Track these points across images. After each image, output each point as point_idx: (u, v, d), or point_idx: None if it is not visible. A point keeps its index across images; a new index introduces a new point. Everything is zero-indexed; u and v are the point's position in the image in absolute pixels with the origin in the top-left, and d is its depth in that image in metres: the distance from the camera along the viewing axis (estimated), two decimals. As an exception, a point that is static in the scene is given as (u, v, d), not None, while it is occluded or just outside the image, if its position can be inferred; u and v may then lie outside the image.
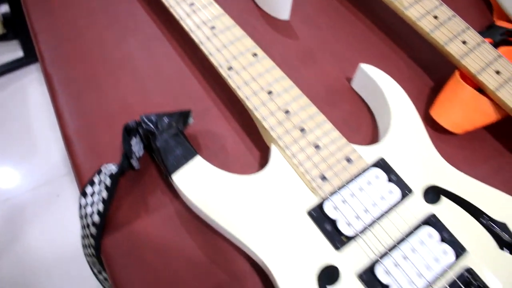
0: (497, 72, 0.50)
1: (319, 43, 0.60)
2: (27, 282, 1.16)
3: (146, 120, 0.45)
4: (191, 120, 0.49)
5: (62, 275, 1.17)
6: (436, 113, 0.52)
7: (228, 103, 0.54)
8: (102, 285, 0.57)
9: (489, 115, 0.51)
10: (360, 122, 0.53)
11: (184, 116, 0.47)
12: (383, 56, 0.60)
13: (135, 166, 0.47)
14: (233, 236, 0.42)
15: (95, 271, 0.55)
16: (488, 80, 0.50)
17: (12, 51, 1.55)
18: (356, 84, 0.55)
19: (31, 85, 1.50)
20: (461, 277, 0.41)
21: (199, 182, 0.44)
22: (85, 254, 0.52)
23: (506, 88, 0.50)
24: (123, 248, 0.46)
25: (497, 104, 0.51)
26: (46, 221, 1.25)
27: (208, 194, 0.43)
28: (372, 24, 0.63)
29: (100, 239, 0.46)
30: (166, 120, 0.46)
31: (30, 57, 1.56)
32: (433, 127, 0.53)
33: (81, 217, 0.48)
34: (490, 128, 0.54)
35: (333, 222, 0.42)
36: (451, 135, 0.53)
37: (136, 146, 0.47)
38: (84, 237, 0.49)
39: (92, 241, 0.47)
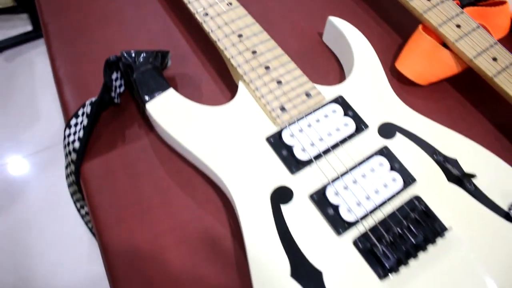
0: (458, 26, 0.53)
1: (295, 1, 0.64)
2: (22, 240, 1.22)
3: (125, 55, 0.49)
4: (169, 62, 0.53)
5: (55, 233, 1.23)
6: (401, 64, 0.55)
7: (205, 51, 0.58)
8: (84, 221, 0.61)
9: (450, 67, 0.54)
10: (328, 71, 0.56)
11: (162, 55, 0.51)
12: (355, 14, 0.63)
13: (115, 100, 0.51)
14: (198, 159, 0.46)
15: (78, 206, 0.59)
16: (449, 32, 0.53)
17: (22, 26, 1.63)
18: (326, 38, 0.58)
19: (37, 57, 1.56)
20: (408, 203, 0.44)
21: (171, 111, 0.48)
22: (68, 186, 0.56)
23: (465, 40, 0.52)
24: (100, 173, 0.49)
25: (457, 56, 0.53)
26: (45, 183, 1.32)
27: (178, 122, 0.47)
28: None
29: (79, 164, 0.50)
30: (144, 55, 0.50)
31: (38, 31, 1.63)
32: (399, 80, 0.56)
33: (64, 147, 0.52)
34: (452, 81, 0.57)
35: (289, 148, 0.45)
36: (416, 86, 0.56)
37: (117, 81, 0.51)
38: (66, 166, 0.53)
39: (72, 167, 0.51)
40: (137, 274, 0.44)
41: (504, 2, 0.58)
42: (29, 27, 1.63)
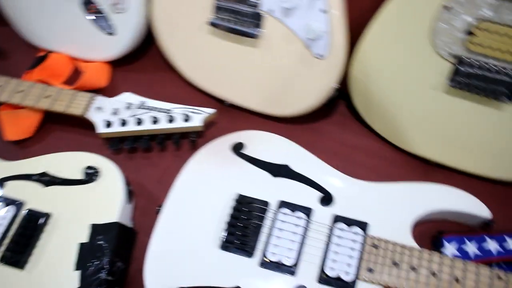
0: (21, 91, 0.76)
1: None
2: None
3: None
4: None
5: None
6: (7, 136, 0.78)
7: None
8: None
9: (32, 116, 0.77)
10: None
11: None
12: None
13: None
14: None
15: None
16: (16, 98, 0.76)
17: None
18: None
19: None
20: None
21: None
22: None
23: (24, 96, 0.76)
24: None
25: (30, 108, 0.77)
26: None
27: None
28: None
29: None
30: None
31: None
32: (18, 144, 0.79)
33: None
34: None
35: None
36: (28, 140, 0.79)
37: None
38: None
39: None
40: None
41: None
42: None
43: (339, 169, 0.68)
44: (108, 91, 0.82)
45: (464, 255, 0.63)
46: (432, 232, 0.66)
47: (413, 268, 0.59)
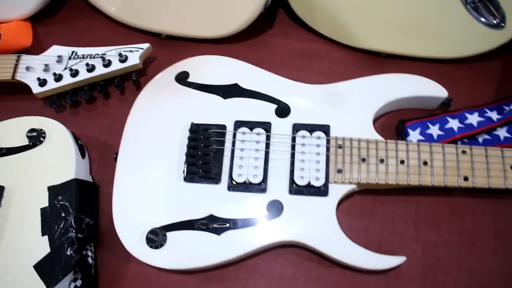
0: None
1: None
2: None
3: None
4: None
5: None
6: None
7: None
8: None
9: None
10: None
11: None
12: None
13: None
14: None
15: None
16: None
17: None
18: None
19: None
20: None
21: None
22: None
23: None
24: None
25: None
26: None
27: None
28: None
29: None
30: None
31: None
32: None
33: None
34: None
35: None
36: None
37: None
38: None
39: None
40: None
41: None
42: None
43: (290, 78, 0.65)
44: (36, 49, 0.76)
45: (428, 138, 0.64)
46: (394, 123, 0.66)
47: (381, 161, 0.59)
